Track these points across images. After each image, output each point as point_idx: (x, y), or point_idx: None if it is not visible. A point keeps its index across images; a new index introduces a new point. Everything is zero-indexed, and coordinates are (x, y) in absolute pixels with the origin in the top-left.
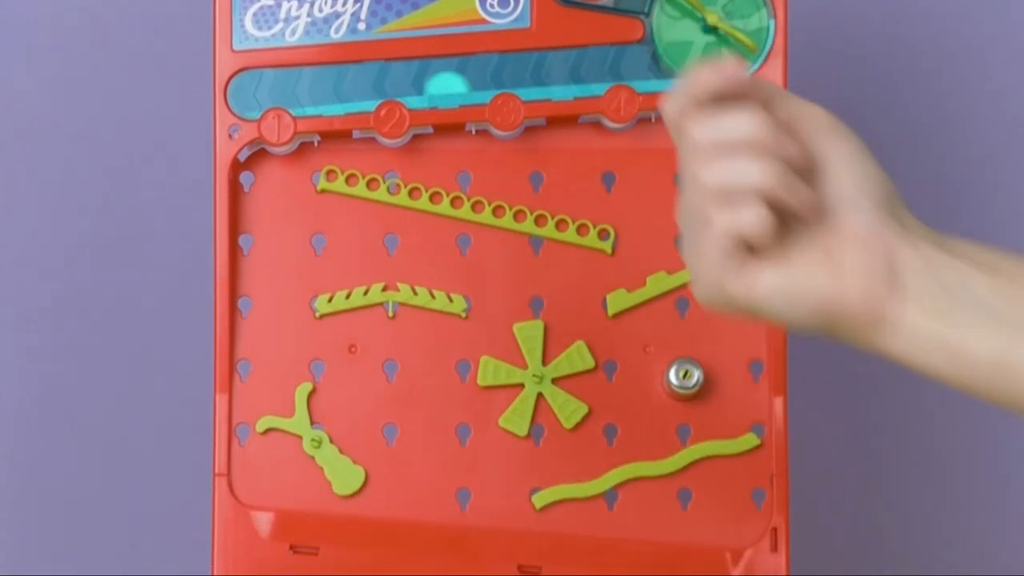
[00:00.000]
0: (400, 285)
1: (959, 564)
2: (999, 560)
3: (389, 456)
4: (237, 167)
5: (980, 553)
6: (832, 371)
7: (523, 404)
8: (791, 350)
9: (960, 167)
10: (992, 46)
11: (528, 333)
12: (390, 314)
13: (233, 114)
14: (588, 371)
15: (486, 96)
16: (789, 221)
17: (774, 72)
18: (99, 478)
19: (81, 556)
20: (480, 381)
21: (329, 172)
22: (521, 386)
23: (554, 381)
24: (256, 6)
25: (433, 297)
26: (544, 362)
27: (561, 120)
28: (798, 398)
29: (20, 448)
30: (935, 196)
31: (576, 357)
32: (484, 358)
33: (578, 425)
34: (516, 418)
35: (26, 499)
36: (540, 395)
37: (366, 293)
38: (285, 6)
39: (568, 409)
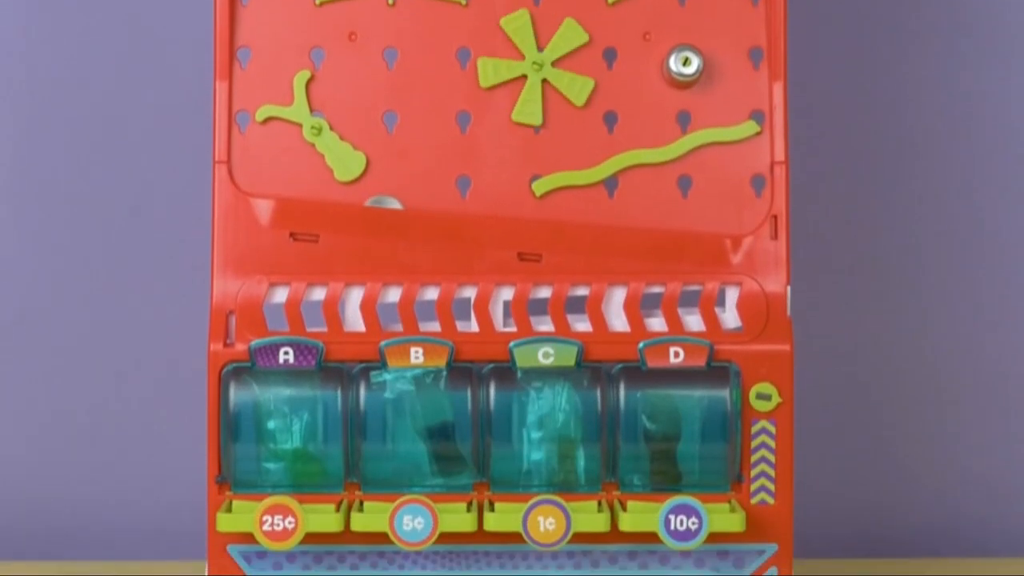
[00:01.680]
0: None
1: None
2: None
3: (389, 143)
4: None
5: None
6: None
7: (530, 94)
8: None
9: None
10: None
11: (517, 24)
12: (390, 1)
13: None
14: (585, 47)
15: None
16: None
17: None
18: (99, 160)
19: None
20: (483, 83)
21: None
22: (524, 78)
23: (554, 64)
24: None
25: None
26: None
27: None
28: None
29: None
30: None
31: (570, 34)
32: (482, 59)
33: (587, 103)
34: (528, 109)
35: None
36: (545, 81)
37: None
38: None
39: (575, 87)
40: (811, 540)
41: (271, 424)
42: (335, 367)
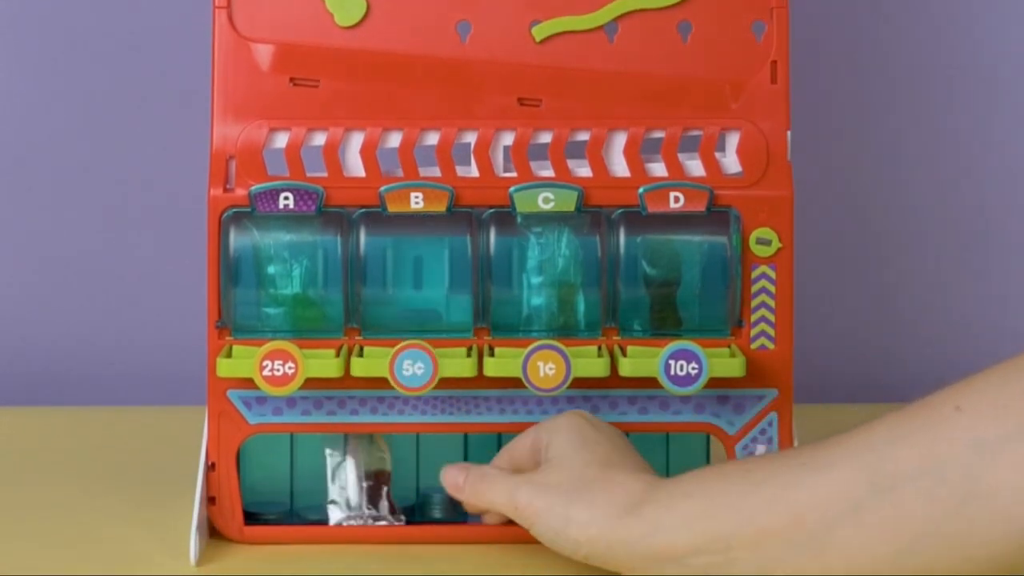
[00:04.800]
0: None
1: None
2: None
3: None
4: None
5: None
6: None
7: None
8: None
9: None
10: None
11: None
12: None
13: None
14: None
15: None
16: None
17: None
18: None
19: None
20: None
21: None
22: None
23: None
24: None
25: None
26: None
27: None
28: None
29: None
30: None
31: None
32: None
33: None
34: None
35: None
36: None
37: None
38: None
39: None
40: (811, 386)
41: (271, 269)
42: (335, 212)
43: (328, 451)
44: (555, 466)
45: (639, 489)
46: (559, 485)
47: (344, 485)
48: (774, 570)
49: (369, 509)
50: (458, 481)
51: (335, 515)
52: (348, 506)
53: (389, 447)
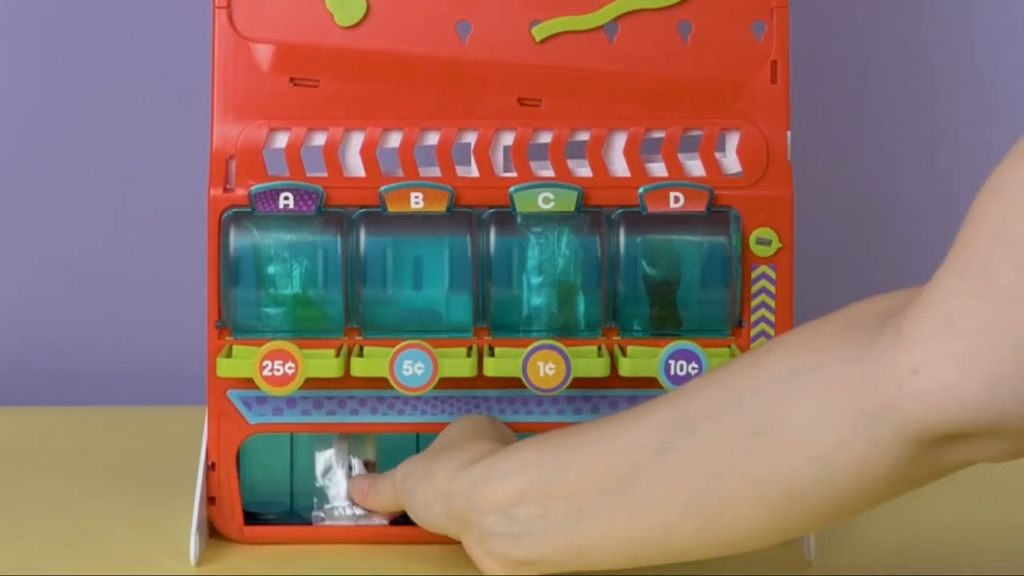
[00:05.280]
0: None
1: None
2: None
3: None
4: None
5: None
6: None
7: None
8: None
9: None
10: None
11: None
12: None
13: None
14: None
15: None
16: None
17: None
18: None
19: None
20: None
21: None
22: None
23: None
24: None
25: None
26: None
27: None
28: None
29: None
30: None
31: None
32: None
33: None
34: None
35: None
36: None
37: None
38: None
39: None
40: None
41: (271, 269)
42: (335, 212)
43: (317, 453)
44: (440, 443)
45: (488, 449)
46: (430, 452)
47: (334, 480)
48: (585, 520)
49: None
50: (363, 488)
51: (328, 516)
52: (336, 502)
53: (375, 442)
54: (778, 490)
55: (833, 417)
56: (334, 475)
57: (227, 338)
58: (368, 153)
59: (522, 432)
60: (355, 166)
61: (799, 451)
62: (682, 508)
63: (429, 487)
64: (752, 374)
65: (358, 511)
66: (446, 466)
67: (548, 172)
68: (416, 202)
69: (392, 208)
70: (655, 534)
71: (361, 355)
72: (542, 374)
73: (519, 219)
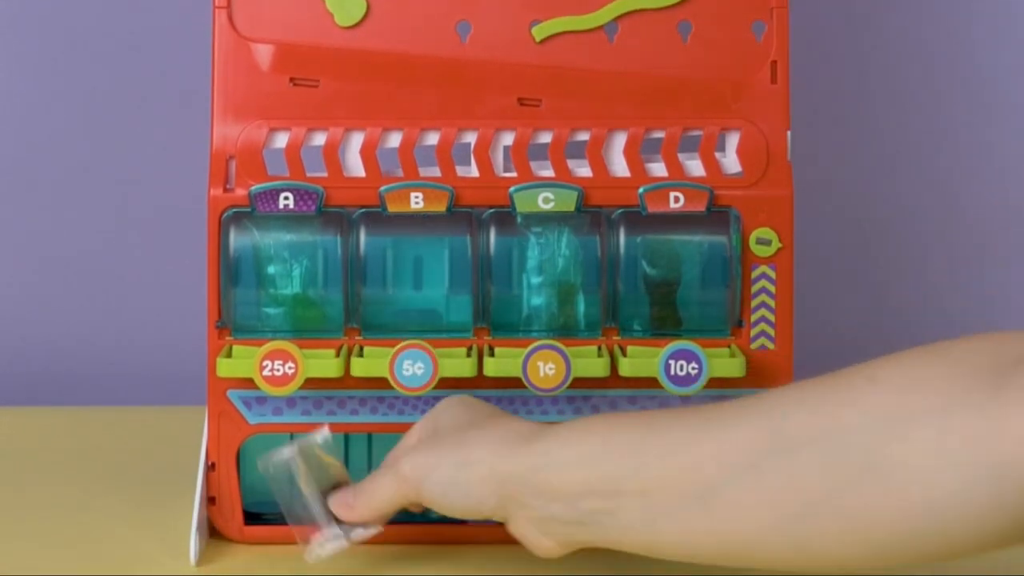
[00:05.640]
0: None
1: None
2: None
3: None
4: None
5: None
6: None
7: None
8: None
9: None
10: None
11: None
12: None
13: None
14: None
15: None
16: None
17: None
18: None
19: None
20: None
21: None
22: None
23: None
24: None
25: None
26: None
27: None
28: None
29: None
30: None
31: None
32: None
33: None
34: None
35: None
36: None
37: None
38: None
39: None
40: None
41: (271, 269)
42: (335, 212)
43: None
44: (438, 432)
45: (530, 427)
46: (444, 440)
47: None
48: (660, 522)
49: (340, 525)
50: (348, 500)
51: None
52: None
53: (338, 451)
54: (882, 532)
55: (951, 468)
56: (306, 503)
57: (227, 338)
58: (368, 153)
59: None
60: (355, 166)
61: (909, 498)
62: (769, 528)
63: (472, 473)
64: (856, 406)
65: (353, 532)
66: (492, 447)
67: (548, 172)
68: (416, 202)
69: (392, 208)
70: (735, 547)
71: (361, 355)
72: (542, 374)
73: (519, 219)
